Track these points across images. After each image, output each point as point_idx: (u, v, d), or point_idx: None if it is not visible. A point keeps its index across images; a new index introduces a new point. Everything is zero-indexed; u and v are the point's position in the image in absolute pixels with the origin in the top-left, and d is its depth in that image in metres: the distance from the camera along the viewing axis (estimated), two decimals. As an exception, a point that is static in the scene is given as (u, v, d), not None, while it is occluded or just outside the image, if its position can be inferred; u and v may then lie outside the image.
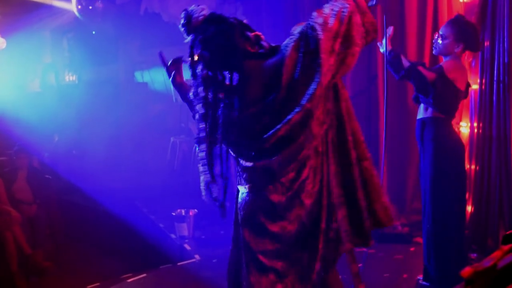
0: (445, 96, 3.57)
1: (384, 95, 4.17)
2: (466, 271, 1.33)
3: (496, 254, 1.38)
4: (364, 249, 4.81)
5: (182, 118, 7.84)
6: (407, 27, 5.36)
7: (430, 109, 3.67)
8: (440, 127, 3.64)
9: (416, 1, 5.33)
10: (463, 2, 5.04)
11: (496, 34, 4.39)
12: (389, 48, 3.71)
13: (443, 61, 3.70)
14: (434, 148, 3.63)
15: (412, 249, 4.83)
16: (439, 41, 3.68)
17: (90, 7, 7.93)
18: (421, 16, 5.29)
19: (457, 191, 3.68)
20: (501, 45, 4.33)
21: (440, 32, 3.70)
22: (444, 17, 5.11)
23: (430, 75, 3.53)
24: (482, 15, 4.51)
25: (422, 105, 3.74)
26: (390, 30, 3.76)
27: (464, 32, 3.63)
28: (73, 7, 8.10)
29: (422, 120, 3.71)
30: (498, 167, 4.40)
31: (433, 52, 3.82)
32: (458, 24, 3.65)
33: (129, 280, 4.38)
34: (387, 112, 4.46)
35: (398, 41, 5.43)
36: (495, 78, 4.38)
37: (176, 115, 8.31)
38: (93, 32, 9.55)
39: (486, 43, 4.47)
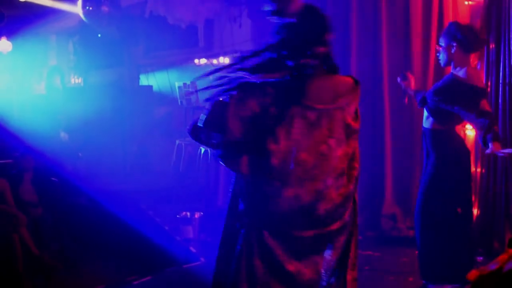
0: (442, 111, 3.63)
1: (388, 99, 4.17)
2: (472, 274, 1.34)
3: (502, 257, 1.38)
4: (370, 252, 4.82)
5: (188, 121, 7.84)
6: (412, 31, 5.35)
7: (430, 119, 3.71)
8: (440, 139, 3.68)
9: (421, 5, 5.32)
10: (468, 4, 5.04)
11: (501, 36, 4.39)
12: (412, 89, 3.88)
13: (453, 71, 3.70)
14: (436, 159, 3.69)
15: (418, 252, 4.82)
16: (440, 54, 3.75)
17: (95, 10, 7.96)
18: (426, 20, 5.28)
19: (460, 200, 3.70)
20: (506, 47, 4.33)
21: (439, 43, 3.78)
22: (450, 20, 5.11)
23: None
24: (487, 17, 4.51)
25: (425, 113, 3.79)
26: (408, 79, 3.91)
27: (451, 33, 3.65)
28: (78, 10, 8.12)
29: (424, 130, 3.80)
30: (504, 170, 4.40)
31: (441, 65, 3.84)
32: (448, 29, 3.71)
33: (134, 283, 4.38)
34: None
35: (403, 45, 5.43)
36: (500, 81, 4.38)
37: (181, 118, 8.32)
38: (99, 35, 9.57)
39: (492, 46, 4.47)
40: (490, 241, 4.49)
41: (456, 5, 5.12)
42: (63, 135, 6.99)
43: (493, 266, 1.35)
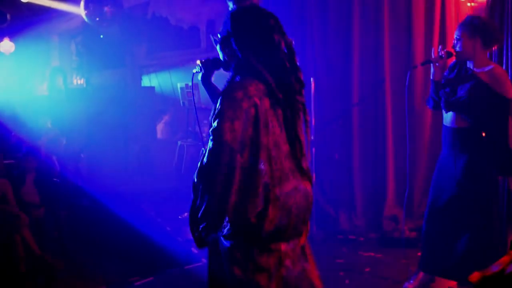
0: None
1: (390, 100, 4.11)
2: (474, 276, 1.33)
3: (505, 259, 1.38)
4: (372, 253, 4.82)
5: (190, 122, 7.85)
6: (414, 31, 5.35)
7: (461, 117, 3.56)
8: (476, 138, 3.55)
9: (424, 5, 5.32)
10: (471, 5, 5.04)
11: (504, 38, 4.38)
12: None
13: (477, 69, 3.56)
14: (470, 158, 3.56)
15: (419, 253, 4.81)
16: (457, 46, 3.59)
17: (99, 12, 7.97)
18: (428, 20, 5.28)
19: (494, 196, 3.68)
20: (509, 48, 4.32)
21: (455, 37, 3.62)
22: (452, 21, 5.11)
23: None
24: (489, 18, 4.50)
25: (451, 113, 3.63)
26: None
27: (475, 26, 3.50)
28: (81, 11, 8.13)
29: (455, 129, 3.62)
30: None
31: (456, 60, 3.69)
32: (467, 22, 3.56)
33: (136, 284, 4.39)
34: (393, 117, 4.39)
35: (405, 47, 5.43)
36: (503, 82, 4.36)
37: (183, 119, 8.32)
38: (101, 36, 9.59)
39: (494, 47, 4.46)
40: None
41: (459, 6, 5.12)
42: (63, 140, 6.95)
43: (495, 268, 1.35)
